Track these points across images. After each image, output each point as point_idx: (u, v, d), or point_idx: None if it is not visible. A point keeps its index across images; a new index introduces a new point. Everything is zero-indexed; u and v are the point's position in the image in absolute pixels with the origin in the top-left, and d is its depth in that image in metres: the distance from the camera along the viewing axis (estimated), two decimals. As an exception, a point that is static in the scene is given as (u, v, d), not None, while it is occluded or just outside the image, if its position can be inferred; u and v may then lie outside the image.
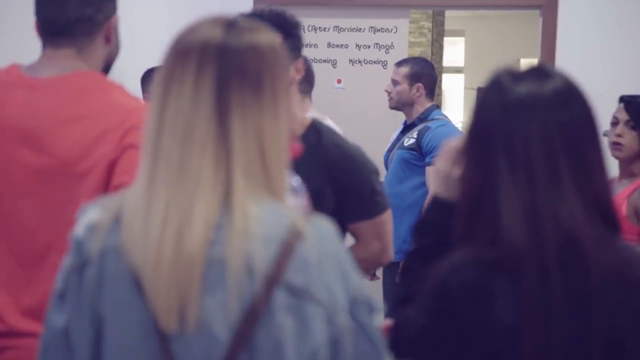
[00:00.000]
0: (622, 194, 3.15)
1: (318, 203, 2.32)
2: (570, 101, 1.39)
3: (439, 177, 1.56)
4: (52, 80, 1.88)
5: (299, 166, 2.26)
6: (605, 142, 3.22)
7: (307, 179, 2.31)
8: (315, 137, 2.43)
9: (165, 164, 1.26)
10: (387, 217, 2.52)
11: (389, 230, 2.54)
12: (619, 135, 3.23)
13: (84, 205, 1.36)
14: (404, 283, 1.55)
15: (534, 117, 1.36)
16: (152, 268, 1.23)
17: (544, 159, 1.35)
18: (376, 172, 2.51)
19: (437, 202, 1.56)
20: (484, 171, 1.39)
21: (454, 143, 1.52)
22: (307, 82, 3.73)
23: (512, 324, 1.32)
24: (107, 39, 1.96)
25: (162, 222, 1.23)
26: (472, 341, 1.34)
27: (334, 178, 2.40)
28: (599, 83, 4.16)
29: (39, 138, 1.83)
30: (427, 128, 4.21)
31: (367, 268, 2.64)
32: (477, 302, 1.34)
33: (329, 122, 3.77)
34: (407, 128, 4.36)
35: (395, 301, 1.51)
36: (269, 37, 1.33)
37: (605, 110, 3.21)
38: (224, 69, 1.27)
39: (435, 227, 1.53)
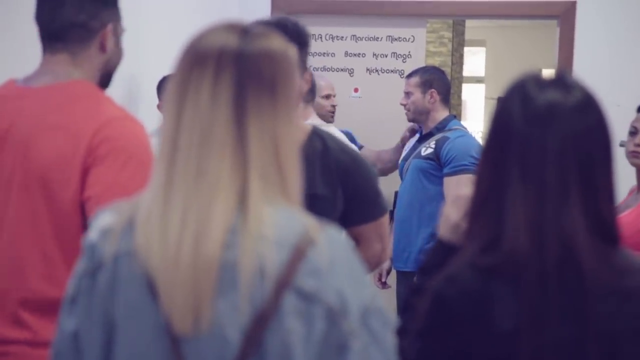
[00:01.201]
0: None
1: (328, 209, 2.37)
2: (588, 114, 1.39)
3: (448, 224, 1.59)
4: (42, 90, 1.91)
5: (306, 174, 2.31)
6: (621, 152, 3.20)
7: (315, 185, 2.35)
8: (321, 143, 2.47)
9: (182, 167, 1.27)
10: (386, 217, 2.59)
11: (387, 230, 2.62)
12: (638, 145, 3.20)
13: (99, 211, 1.38)
14: (404, 319, 1.56)
15: (553, 128, 1.36)
16: (170, 270, 1.24)
17: (556, 173, 1.36)
18: (376, 174, 2.59)
19: (442, 245, 1.58)
20: (495, 174, 1.39)
21: (466, 193, 1.54)
22: (311, 90, 3.79)
23: (511, 328, 1.33)
24: (102, 47, 1.97)
25: (181, 225, 1.25)
26: (471, 349, 1.35)
27: (344, 183, 2.44)
28: (615, 93, 4.15)
29: (23, 147, 1.85)
30: (445, 138, 4.19)
31: (368, 269, 2.71)
32: (476, 308, 1.34)
33: (333, 130, 3.80)
34: (423, 137, 4.36)
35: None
36: (281, 44, 1.34)
37: (622, 120, 3.20)
38: (241, 75, 1.28)
39: (439, 269, 1.55)
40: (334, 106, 4.40)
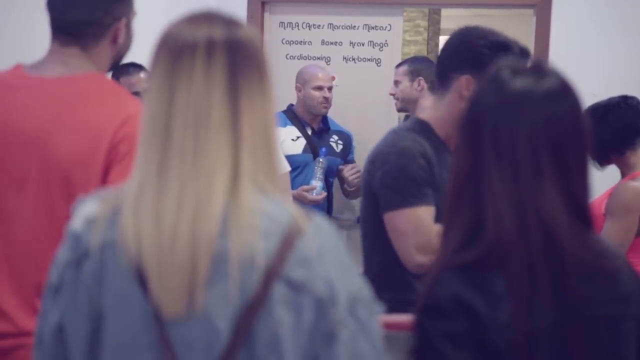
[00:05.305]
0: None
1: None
2: (561, 100, 1.41)
3: None
4: (56, 81, 1.89)
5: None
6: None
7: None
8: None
9: (178, 151, 1.27)
10: None
11: None
12: None
13: (79, 199, 1.37)
14: None
15: (524, 113, 1.39)
16: (164, 253, 1.24)
17: (528, 153, 1.37)
18: None
19: None
20: (472, 156, 1.41)
21: None
22: None
23: (506, 319, 1.33)
24: (115, 41, 1.96)
25: (177, 207, 1.25)
26: (470, 348, 1.34)
27: None
28: (591, 83, 4.16)
29: (40, 144, 1.83)
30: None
31: None
32: (468, 308, 1.34)
33: None
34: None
35: None
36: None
37: (597, 109, 3.23)
38: (232, 58, 1.30)
39: None
40: (325, 98, 4.40)
